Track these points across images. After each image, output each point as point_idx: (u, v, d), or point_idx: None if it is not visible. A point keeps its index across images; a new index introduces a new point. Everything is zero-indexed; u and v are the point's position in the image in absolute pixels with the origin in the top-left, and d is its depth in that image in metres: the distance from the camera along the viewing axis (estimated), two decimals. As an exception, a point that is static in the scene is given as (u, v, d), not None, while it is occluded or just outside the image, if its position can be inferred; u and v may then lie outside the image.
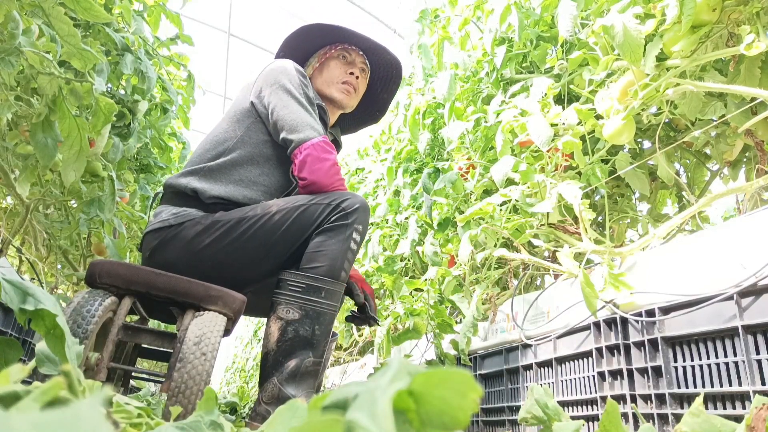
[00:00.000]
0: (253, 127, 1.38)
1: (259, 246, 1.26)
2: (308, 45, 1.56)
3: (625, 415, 1.24)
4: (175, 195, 1.34)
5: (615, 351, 1.32)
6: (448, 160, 2.21)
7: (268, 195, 1.39)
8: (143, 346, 1.41)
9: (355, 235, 1.26)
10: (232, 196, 1.33)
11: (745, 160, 1.75)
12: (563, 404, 1.48)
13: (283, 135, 1.33)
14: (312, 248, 1.24)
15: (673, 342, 1.19)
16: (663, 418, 1.16)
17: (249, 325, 7.86)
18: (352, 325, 3.17)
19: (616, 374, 1.31)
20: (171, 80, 3.10)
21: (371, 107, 1.73)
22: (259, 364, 1.21)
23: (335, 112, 1.58)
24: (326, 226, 1.24)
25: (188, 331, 1.06)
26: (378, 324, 1.49)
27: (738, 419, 0.98)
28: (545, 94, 1.62)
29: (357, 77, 1.54)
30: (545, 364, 1.59)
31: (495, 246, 1.79)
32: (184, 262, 1.26)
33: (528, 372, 1.67)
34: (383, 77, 1.67)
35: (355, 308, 1.49)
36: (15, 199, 2.16)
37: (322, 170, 1.30)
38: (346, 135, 1.79)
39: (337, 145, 1.64)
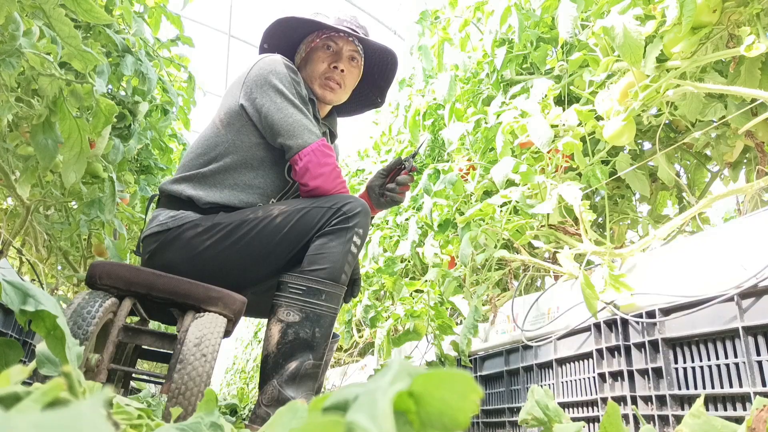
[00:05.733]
0: (244, 130, 1.34)
1: (261, 248, 1.26)
2: (294, 33, 1.47)
3: (625, 417, 1.24)
4: (170, 199, 1.34)
5: (615, 352, 1.32)
6: (448, 161, 2.21)
7: (265, 197, 1.38)
8: (143, 347, 1.41)
9: (355, 239, 1.25)
10: (228, 202, 1.32)
11: (745, 161, 1.75)
12: (564, 406, 1.48)
13: (280, 140, 1.31)
14: (313, 251, 1.24)
15: (674, 343, 1.19)
16: (664, 420, 1.16)
17: (249, 327, 7.86)
18: (353, 326, 3.17)
19: (616, 375, 1.30)
20: (171, 81, 3.10)
21: (370, 93, 1.65)
22: (259, 366, 1.21)
23: (324, 105, 1.51)
24: (327, 230, 1.24)
25: (188, 332, 1.06)
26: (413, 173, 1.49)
27: (739, 421, 0.98)
28: (545, 96, 1.62)
29: (342, 70, 1.43)
30: (546, 365, 1.59)
31: (495, 247, 1.79)
32: (184, 263, 1.26)
33: (528, 373, 1.67)
34: (379, 63, 1.57)
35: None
36: (16, 201, 2.16)
37: (324, 176, 1.29)
38: (348, 117, 1.71)
39: (333, 136, 1.59)
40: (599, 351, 1.35)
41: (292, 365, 1.16)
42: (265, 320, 1.38)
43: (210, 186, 1.33)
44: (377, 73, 1.60)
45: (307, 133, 1.30)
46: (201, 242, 1.26)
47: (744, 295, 1.04)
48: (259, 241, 1.25)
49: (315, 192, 1.30)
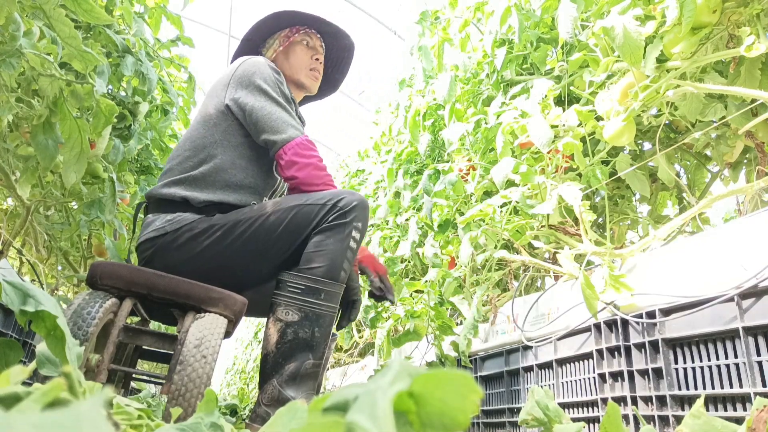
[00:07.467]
0: (231, 129, 1.37)
1: (257, 247, 1.26)
2: (267, 28, 1.57)
3: (625, 417, 1.24)
4: (163, 203, 1.33)
5: (615, 352, 1.32)
6: (448, 161, 2.21)
7: (257, 196, 1.39)
8: (144, 347, 1.41)
9: (354, 234, 1.25)
10: (224, 200, 1.33)
11: (745, 161, 1.75)
12: (564, 406, 1.48)
13: (264, 137, 1.33)
14: (310, 248, 1.23)
15: (674, 343, 1.19)
16: (664, 420, 1.16)
17: (249, 327, 7.86)
18: (353, 326, 3.17)
19: (616, 376, 1.30)
20: (172, 82, 3.10)
21: (323, 86, 1.75)
22: (259, 365, 1.21)
23: (300, 95, 1.60)
24: (324, 226, 1.23)
25: (189, 333, 1.06)
26: (393, 303, 1.48)
27: (739, 421, 0.98)
28: (545, 96, 1.62)
29: (321, 62, 1.57)
30: (546, 365, 1.59)
31: (495, 247, 1.79)
32: (183, 266, 1.25)
33: (528, 374, 1.67)
34: (336, 59, 1.69)
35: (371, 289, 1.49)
36: (16, 201, 2.16)
37: (310, 166, 1.30)
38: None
39: (303, 124, 1.66)
40: (599, 351, 1.35)
41: (292, 365, 1.16)
42: (265, 320, 1.39)
43: (202, 188, 1.33)
44: (331, 67, 1.72)
45: (291, 128, 1.32)
46: (198, 244, 1.26)
47: (744, 295, 1.04)
48: (255, 240, 1.25)
49: (302, 183, 1.30)
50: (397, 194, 2.80)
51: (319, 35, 1.58)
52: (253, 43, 1.59)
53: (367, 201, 1.29)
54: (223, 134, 1.37)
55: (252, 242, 1.25)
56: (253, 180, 1.39)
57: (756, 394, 0.98)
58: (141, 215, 1.44)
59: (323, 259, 1.21)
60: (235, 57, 1.59)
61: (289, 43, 1.55)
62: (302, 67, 1.54)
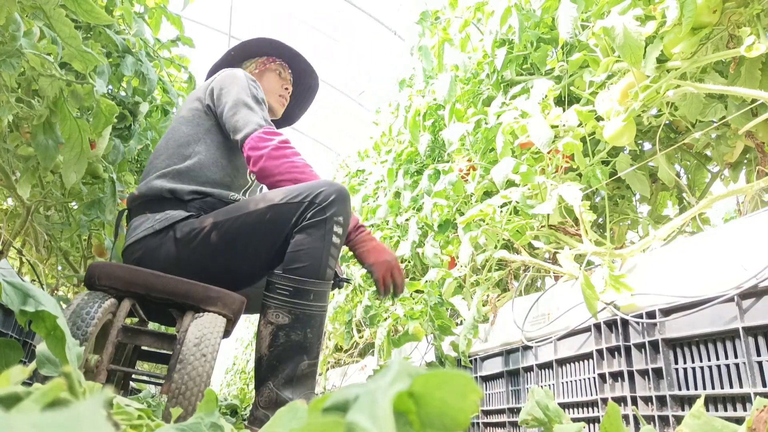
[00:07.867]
0: (213, 129, 1.45)
1: (241, 247, 1.26)
2: (249, 50, 1.70)
3: (625, 417, 1.24)
4: (151, 201, 1.33)
5: (616, 353, 1.32)
6: (448, 161, 2.21)
7: (238, 193, 1.46)
8: (143, 348, 1.42)
9: (336, 228, 1.22)
10: (210, 192, 1.37)
11: (745, 161, 1.75)
12: (564, 406, 1.48)
13: (232, 137, 1.39)
14: (292, 248, 1.21)
15: (674, 344, 1.19)
16: (664, 420, 1.16)
17: (249, 327, 7.86)
18: (352, 326, 3.17)
19: (616, 376, 1.30)
20: (172, 82, 3.10)
21: (283, 116, 1.86)
22: (254, 367, 1.20)
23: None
24: (304, 224, 1.21)
25: (188, 332, 1.06)
26: (395, 297, 1.49)
27: (739, 421, 0.98)
28: (546, 96, 1.62)
29: (289, 92, 1.72)
30: (546, 365, 1.59)
31: (495, 248, 1.79)
32: (172, 269, 1.24)
33: (528, 374, 1.67)
34: (300, 95, 1.83)
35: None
36: (16, 201, 2.16)
37: (262, 160, 1.30)
38: None
39: None
40: (599, 351, 1.35)
41: (287, 368, 1.15)
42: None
43: (187, 181, 1.36)
44: (293, 101, 1.85)
45: (250, 125, 1.36)
46: (183, 247, 1.26)
47: (744, 295, 1.04)
48: (237, 240, 1.26)
49: (262, 178, 1.31)
50: (397, 194, 2.80)
51: (290, 70, 1.74)
52: (233, 59, 1.71)
53: (347, 190, 1.27)
54: (206, 133, 1.44)
55: (235, 243, 1.26)
56: (232, 180, 1.44)
57: (756, 394, 0.98)
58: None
59: (306, 258, 1.20)
60: (214, 67, 1.73)
61: (265, 69, 1.69)
62: (273, 92, 1.67)
